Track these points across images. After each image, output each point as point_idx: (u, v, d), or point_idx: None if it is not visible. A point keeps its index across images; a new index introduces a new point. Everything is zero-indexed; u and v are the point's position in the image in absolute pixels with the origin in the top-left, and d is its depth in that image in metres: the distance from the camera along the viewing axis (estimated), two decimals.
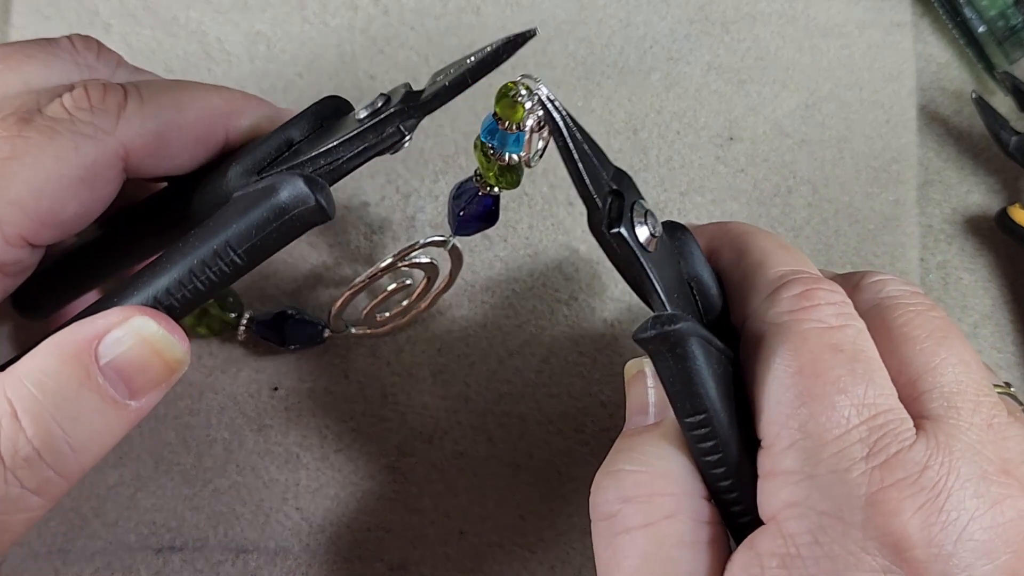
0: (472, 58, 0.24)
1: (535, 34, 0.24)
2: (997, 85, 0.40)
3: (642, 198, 0.25)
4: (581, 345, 0.36)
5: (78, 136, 0.24)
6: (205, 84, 0.27)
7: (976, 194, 0.39)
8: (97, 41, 0.28)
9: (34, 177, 0.23)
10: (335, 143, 0.24)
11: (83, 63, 0.27)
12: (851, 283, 0.26)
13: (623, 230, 0.23)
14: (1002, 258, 0.39)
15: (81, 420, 0.22)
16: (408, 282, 0.33)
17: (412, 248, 0.31)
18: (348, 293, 0.32)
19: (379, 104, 0.25)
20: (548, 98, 0.23)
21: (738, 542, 0.23)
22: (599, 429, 0.35)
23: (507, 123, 0.25)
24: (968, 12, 0.39)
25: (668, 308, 0.23)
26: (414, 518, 0.35)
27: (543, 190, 0.37)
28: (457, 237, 0.31)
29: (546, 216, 0.37)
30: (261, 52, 0.37)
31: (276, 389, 0.35)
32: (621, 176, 0.25)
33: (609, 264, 0.37)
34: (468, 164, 0.37)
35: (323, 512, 0.34)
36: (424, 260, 0.32)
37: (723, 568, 0.23)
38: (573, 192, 0.37)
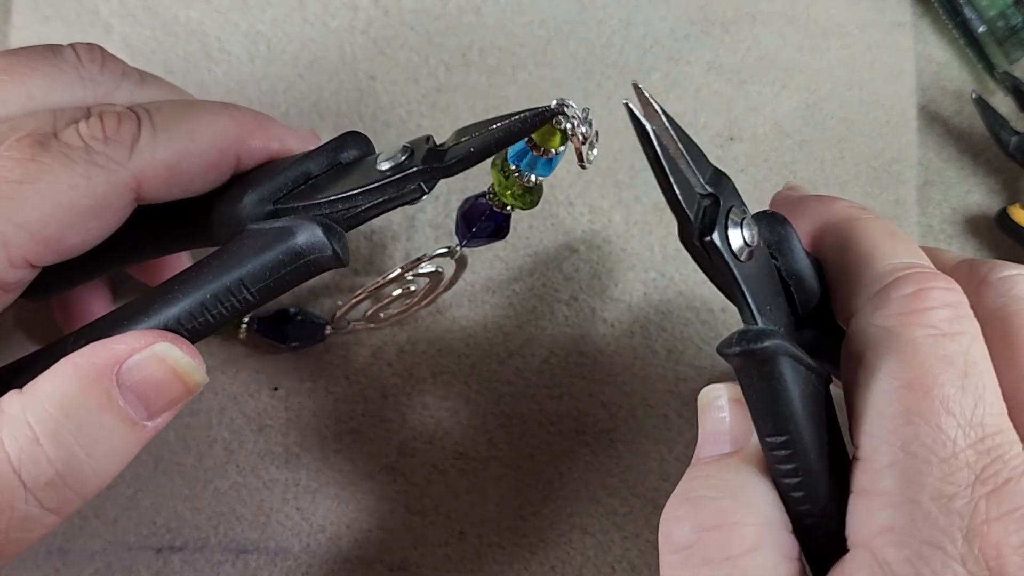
0: (499, 124, 0.24)
1: (564, 108, 0.23)
2: (997, 85, 0.40)
3: (742, 202, 0.23)
4: (582, 345, 0.36)
5: (91, 166, 0.24)
6: (216, 105, 0.27)
7: (976, 194, 0.39)
8: (101, 50, 0.28)
9: (44, 203, 0.23)
10: (355, 191, 0.24)
11: (87, 76, 0.27)
12: (977, 275, 0.24)
13: (715, 238, 0.22)
14: (1002, 258, 0.39)
15: (100, 442, 0.22)
16: (412, 288, 0.33)
17: (419, 261, 0.31)
18: (353, 300, 0.33)
19: (402, 158, 0.25)
20: (641, 94, 0.22)
21: (816, 573, 0.22)
22: (600, 430, 0.35)
23: (542, 149, 0.25)
24: (968, 12, 0.39)
25: (759, 321, 0.22)
26: (414, 518, 0.35)
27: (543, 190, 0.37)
28: (464, 248, 0.31)
29: (546, 216, 0.37)
30: (261, 52, 0.37)
31: (276, 389, 0.35)
32: (719, 178, 0.23)
33: (610, 264, 0.37)
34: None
35: (323, 512, 0.34)
36: (429, 269, 0.32)
37: None
38: (573, 192, 0.37)
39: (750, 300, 0.22)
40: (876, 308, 0.22)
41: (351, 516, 0.35)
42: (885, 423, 0.21)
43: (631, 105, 0.22)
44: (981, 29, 0.39)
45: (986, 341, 0.22)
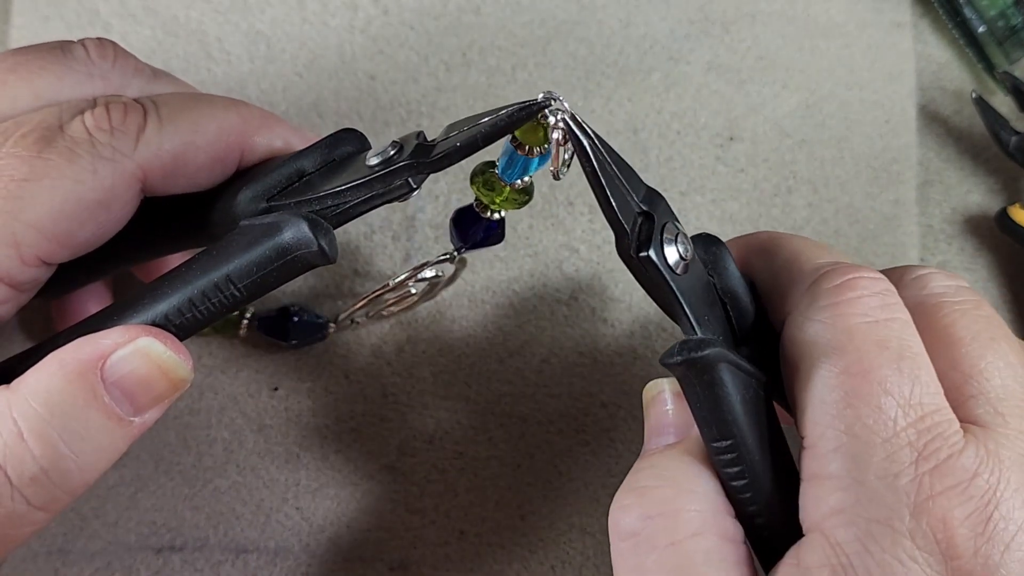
0: (486, 119, 0.24)
1: (552, 102, 0.23)
2: (997, 85, 0.40)
3: (675, 219, 0.24)
4: (581, 345, 0.36)
5: (97, 159, 0.24)
6: (222, 100, 0.27)
7: (976, 194, 0.39)
8: (113, 46, 0.27)
9: (53, 199, 0.23)
10: (343, 187, 0.24)
11: (97, 73, 0.26)
12: (893, 279, 0.25)
13: (651, 253, 0.23)
14: (1002, 258, 0.39)
15: (86, 438, 0.22)
16: (413, 291, 0.33)
17: (422, 267, 0.32)
18: (356, 307, 0.33)
19: (391, 152, 0.25)
20: (574, 118, 0.23)
21: (764, 563, 0.23)
22: (600, 429, 0.35)
23: (527, 147, 0.25)
24: (968, 12, 0.39)
25: (698, 331, 0.23)
26: (414, 518, 0.35)
27: (543, 190, 0.37)
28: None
29: (546, 216, 0.37)
30: (261, 52, 0.37)
31: (276, 389, 0.35)
32: (653, 196, 0.24)
33: (609, 265, 0.37)
34: (469, 165, 0.37)
35: (323, 512, 0.34)
36: (430, 275, 0.32)
37: None
38: (573, 192, 0.37)
39: (688, 311, 0.23)
40: (809, 303, 0.23)
41: (351, 516, 0.35)
42: (828, 409, 0.22)
43: (567, 120, 0.22)
44: (981, 29, 0.39)
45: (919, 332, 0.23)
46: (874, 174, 0.39)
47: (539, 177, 0.37)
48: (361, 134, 0.27)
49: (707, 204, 0.38)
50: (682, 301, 0.23)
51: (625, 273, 0.37)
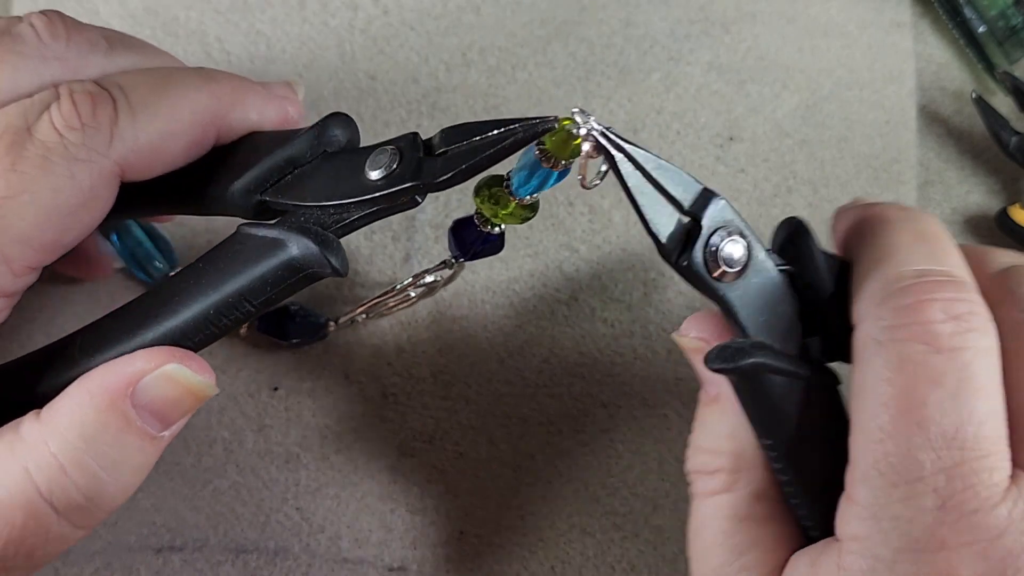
0: (496, 132, 0.23)
1: (555, 125, 0.23)
2: (997, 85, 0.40)
3: (735, 218, 0.23)
4: (582, 345, 0.36)
5: (73, 162, 0.23)
6: (192, 76, 0.26)
7: (976, 194, 0.39)
8: (63, 20, 0.26)
9: (34, 213, 0.23)
10: (347, 202, 0.24)
11: (52, 55, 0.25)
12: (1006, 287, 0.23)
13: (690, 261, 0.22)
14: None
15: (123, 461, 0.23)
16: (412, 295, 0.33)
17: (421, 276, 0.32)
18: (357, 310, 0.33)
19: (393, 166, 0.24)
20: (606, 134, 0.22)
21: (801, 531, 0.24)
22: (600, 430, 0.35)
23: (554, 160, 0.24)
24: (968, 12, 0.39)
25: (748, 334, 0.23)
26: (414, 518, 0.35)
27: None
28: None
29: (546, 216, 0.37)
30: (261, 52, 0.37)
31: (276, 389, 0.35)
32: (707, 199, 0.23)
33: (610, 265, 0.37)
34: None
35: (323, 512, 0.34)
36: (429, 279, 0.32)
37: (781, 543, 0.23)
38: (573, 192, 0.37)
39: (737, 315, 0.23)
40: (876, 318, 0.22)
41: (351, 516, 0.35)
42: (865, 436, 0.21)
43: (595, 134, 0.22)
44: (981, 29, 0.39)
45: (1006, 355, 0.21)
46: (874, 174, 0.39)
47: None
48: (349, 118, 0.27)
49: None
50: (729, 306, 0.23)
51: (625, 273, 0.37)
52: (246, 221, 0.25)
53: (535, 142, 0.23)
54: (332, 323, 0.34)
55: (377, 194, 0.24)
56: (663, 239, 0.22)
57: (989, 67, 0.40)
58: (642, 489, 0.35)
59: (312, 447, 0.35)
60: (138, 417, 0.23)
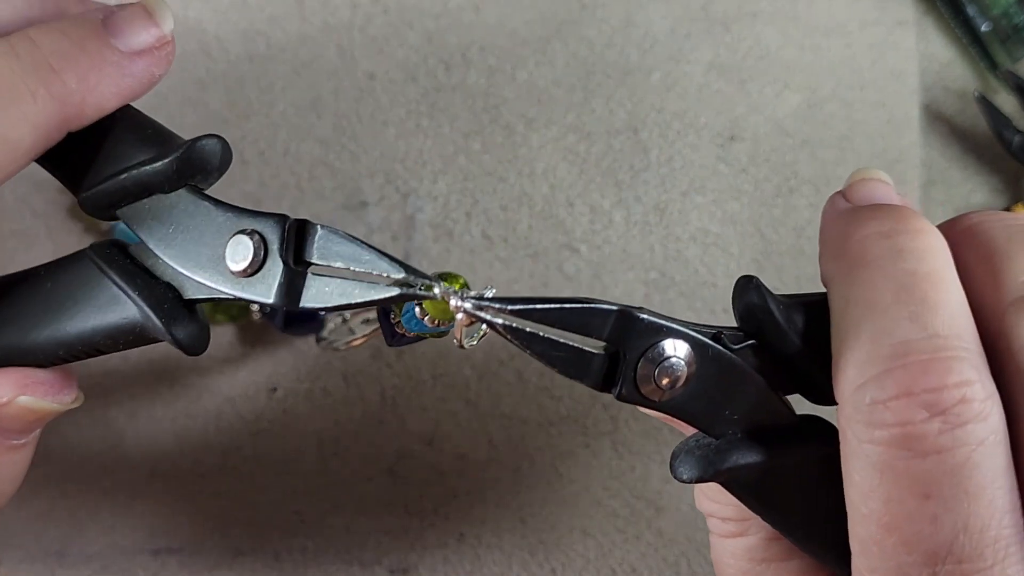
0: (361, 288, 0.20)
1: (435, 291, 0.20)
2: (1000, 84, 0.39)
3: (665, 324, 0.20)
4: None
5: None
6: (24, 76, 0.21)
7: (979, 194, 0.39)
8: None
9: None
10: (203, 283, 0.21)
11: None
12: (991, 290, 0.20)
13: (622, 394, 0.20)
14: None
15: None
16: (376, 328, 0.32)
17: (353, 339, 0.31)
18: (349, 343, 0.33)
19: (257, 263, 0.21)
20: (480, 307, 0.19)
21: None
22: (601, 432, 0.35)
23: (432, 319, 0.23)
24: (971, 11, 0.39)
25: (713, 431, 0.21)
26: (414, 521, 0.34)
27: (543, 190, 0.37)
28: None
29: (546, 216, 0.37)
30: (260, 51, 0.37)
31: (274, 391, 0.35)
32: (625, 321, 0.20)
33: (610, 266, 0.36)
34: (468, 164, 0.37)
35: (322, 515, 0.34)
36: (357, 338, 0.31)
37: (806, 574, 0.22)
38: (573, 192, 0.37)
39: (697, 420, 0.21)
40: (850, 410, 0.19)
41: (350, 518, 0.34)
42: (855, 543, 0.19)
43: (467, 310, 0.20)
44: (984, 28, 0.39)
45: (1018, 423, 0.18)
46: None
47: (539, 177, 0.37)
48: (221, 141, 0.23)
49: (708, 204, 0.37)
50: (685, 413, 0.21)
51: (625, 273, 0.37)
52: (100, 245, 0.23)
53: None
54: (318, 339, 0.34)
55: (234, 293, 0.21)
56: (594, 382, 0.20)
57: (992, 66, 0.39)
58: (644, 491, 0.35)
59: (310, 449, 0.35)
60: None
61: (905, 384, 0.18)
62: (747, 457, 0.20)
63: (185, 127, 0.36)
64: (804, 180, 0.38)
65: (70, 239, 0.35)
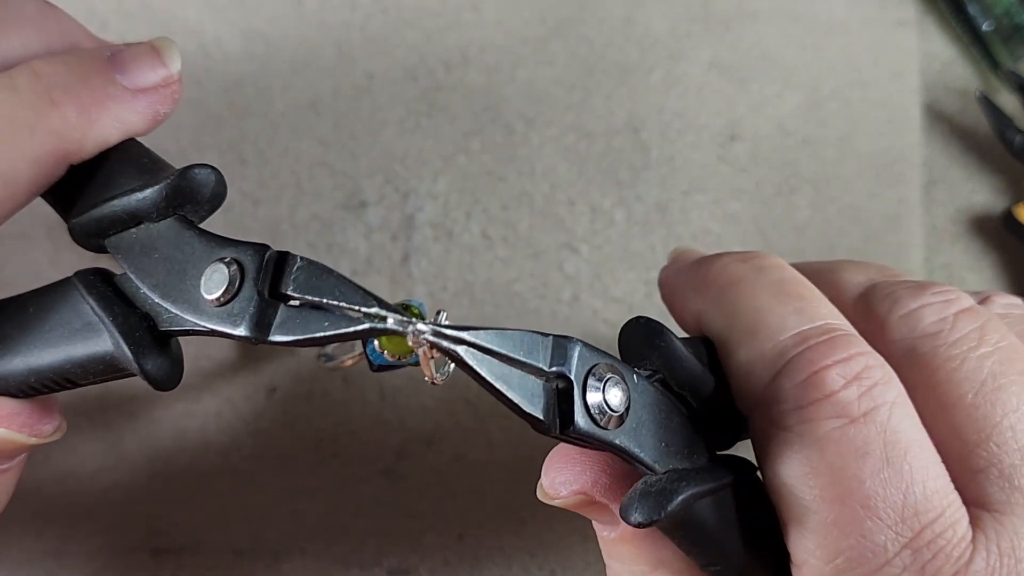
0: (330, 323, 0.20)
1: (396, 327, 0.19)
2: (1002, 83, 0.39)
3: (597, 356, 0.20)
4: None
5: None
6: (23, 109, 0.21)
7: (981, 194, 0.39)
8: None
9: None
10: (179, 315, 0.21)
11: None
12: (877, 317, 0.21)
13: (576, 427, 0.19)
14: (1007, 258, 0.38)
15: None
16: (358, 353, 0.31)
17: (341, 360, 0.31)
18: (340, 363, 0.32)
19: (232, 293, 0.20)
20: (438, 334, 0.19)
21: None
22: None
23: (392, 353, 0.22)
24: (973, 10, 0.39)
25: (653, 466, 0.20)
26: (413, 522, 0.34)
27: (544, 190, 0.37)
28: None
29: (546, 216, 0.37)
30: (259, 51, 0.37)
31: (274, 391, 0.35)
32: (562, 349, 0.20)
33: (611, 265, 0.36)
34: (468, 164, 0.37)
35: (320, 515, 0.34)
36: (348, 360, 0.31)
37: None
38: (574, 192, 0.37)
39: (638, 455, 0.20)
40: (771, 404, 0.19)
41: (348, 519, 0.34)
42: (810, 536, 0.19)
43: (426, 339, 0.19)
44: (986, 27, 0.39)
45: (907, 391, 0.19)
46: (877, 174, 0.38)
47: (540, 176, 0.37)
48: (216, 172, 0.22)
49: (708, 204, 0.37)
50: (628, 449, 0.20)
51: (626, 273, 0.36)
52: (85, 272, 0.23)
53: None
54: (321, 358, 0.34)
55: (206, 325, 0.21)
56: (540, 416, 0.20)
57: (994, 65, 0.39)
58: None
59: (309, 449, 0.35)
60: None
61: (815, 361, 0.19)
62: (695, 487, 0.19)
63: (183, 127, 0.36)
64: (805, 179, 0.38)
65: (70, 240, 0.35)
